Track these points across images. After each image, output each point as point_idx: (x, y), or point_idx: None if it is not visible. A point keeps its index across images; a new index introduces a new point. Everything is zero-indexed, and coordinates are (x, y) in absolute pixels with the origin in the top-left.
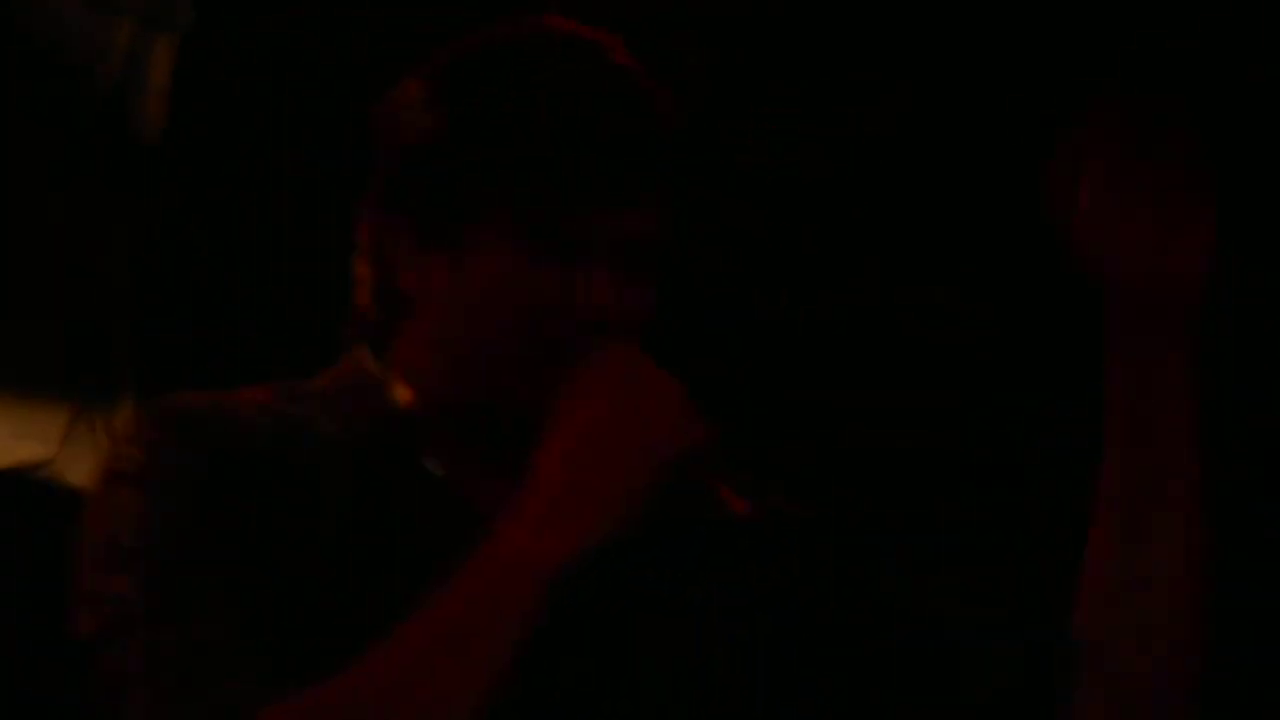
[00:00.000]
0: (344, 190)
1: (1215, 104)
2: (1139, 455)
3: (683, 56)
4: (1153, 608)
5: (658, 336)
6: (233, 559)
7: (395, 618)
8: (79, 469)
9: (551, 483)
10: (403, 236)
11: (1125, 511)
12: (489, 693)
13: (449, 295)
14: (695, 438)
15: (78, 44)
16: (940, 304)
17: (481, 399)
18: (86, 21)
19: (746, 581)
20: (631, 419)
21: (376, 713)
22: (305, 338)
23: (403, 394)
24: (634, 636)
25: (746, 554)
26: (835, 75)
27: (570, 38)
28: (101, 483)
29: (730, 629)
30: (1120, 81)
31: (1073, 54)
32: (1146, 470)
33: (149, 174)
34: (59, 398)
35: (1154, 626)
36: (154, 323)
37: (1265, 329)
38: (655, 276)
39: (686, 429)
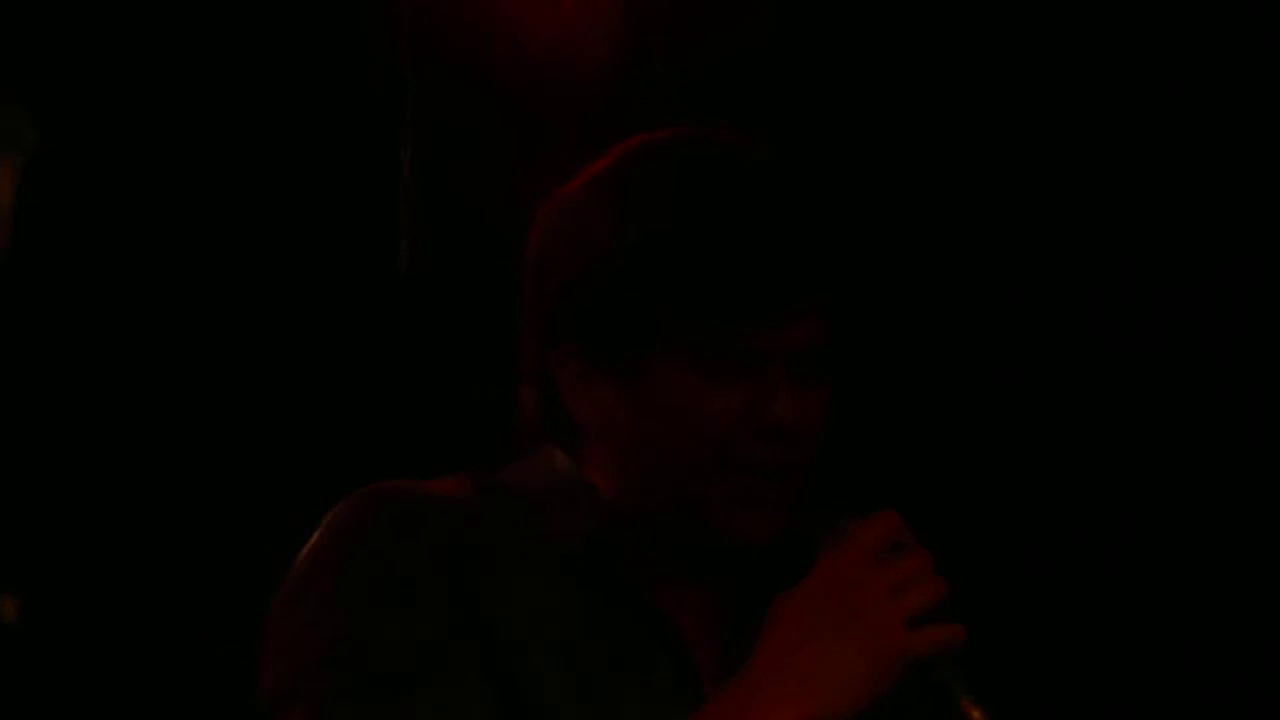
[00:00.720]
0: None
1: None
2: None
3: None
4: None
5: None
6: (446, 658)
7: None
8: None
9: (792, 649)
10: (570, 362)
11: None
12: None
13: (627, 423)
14: (942, 641)
15: None
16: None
17: (673, 518)
18: None
19: None
20: (885, 604)
21: None
22: None
23: (611, 500)
24: None
25: None
26: None
27: (727, 150)
28: (305, 574)
29: None
30: None
31: None
32: None
33: None
34: None
35: None
36: None
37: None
38: (831, 382)
39: (935, 631)
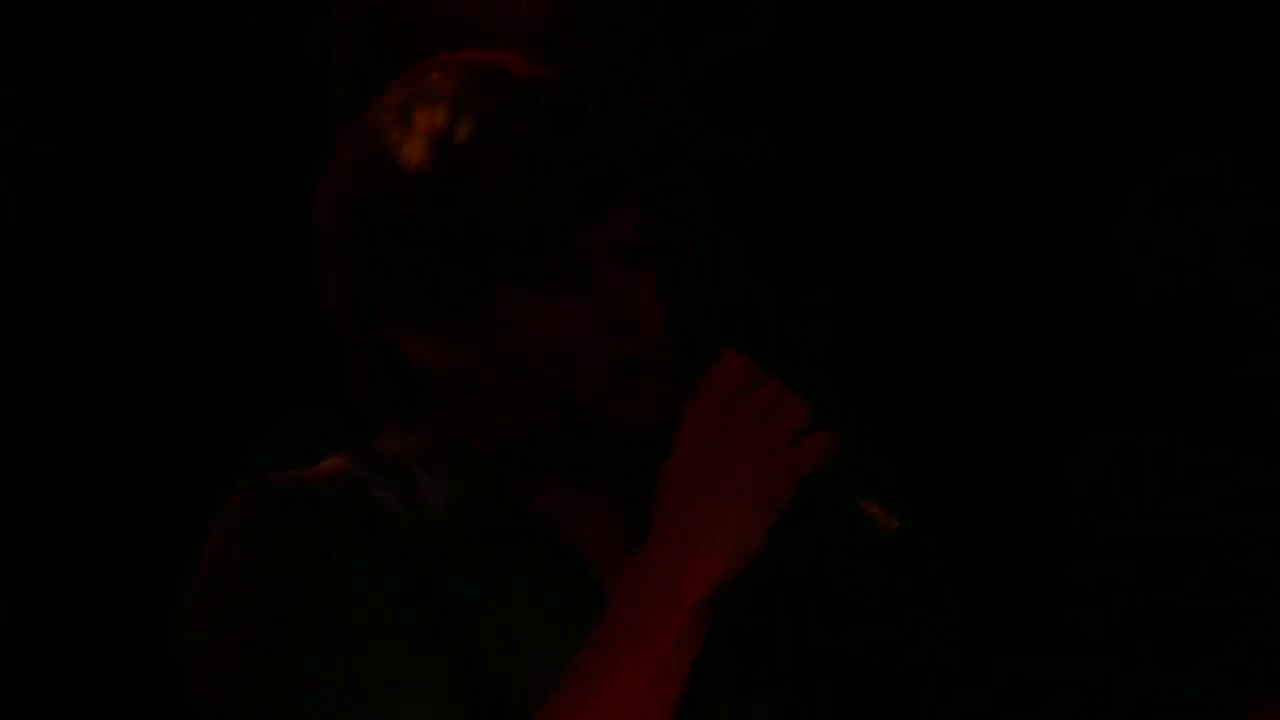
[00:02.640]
0: None
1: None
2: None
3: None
4: None
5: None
6: (393, 637)
7: (537, 671)
8: None
9: (689, 505)
10: (408, 325)
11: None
12: None
13: (481, 365)
14: (820, 450)
15: None
16: None
17: (555, 436)
18: None
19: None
20: (756, 435)
21: None
22: None
23: (488, 453)
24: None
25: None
26: None
27: (507, 66)
28: (219, 571)
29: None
30: None
31: None
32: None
33: None
34: None
35: None
36: None
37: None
38: (660, 267)
39: (811, 443)
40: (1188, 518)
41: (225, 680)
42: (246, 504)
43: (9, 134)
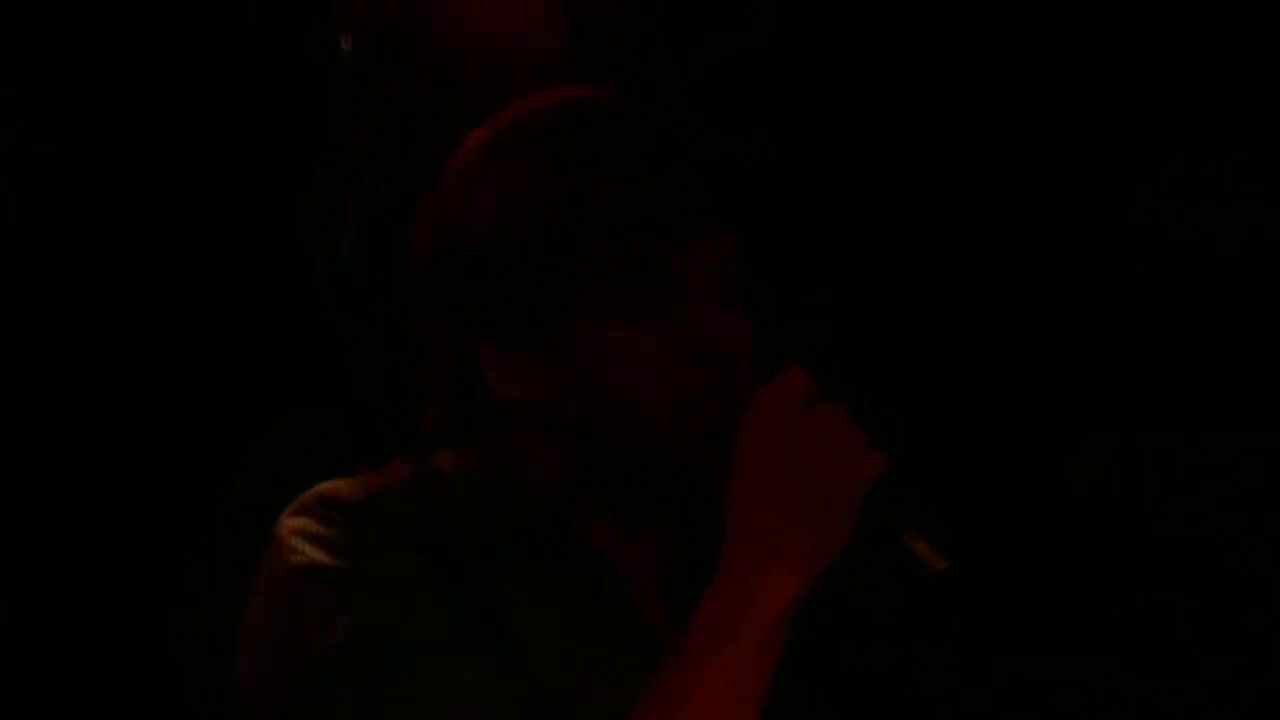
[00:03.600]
0: None
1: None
2: None
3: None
4: None
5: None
6: (449, 653)
7: (585, 694)
8: None
9: (763, 517)
10: (489, 348)
11: None
12: None
13: (562, 394)
14: (878, 468)
15: None
16: None
17: (626, 467)
18: None
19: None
20: (823, 450)
21: None
22: None
23: (554, 473)
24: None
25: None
26: None
27: (600, 99)
28: (284, 583)
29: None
30: None
31: None
32: None
33: None
34: None
35: None
36: None
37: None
38: (747, 300)
39: (872, 460)
40: (1188, 517)
41: (279, 690)
42: (305, 514)
43: (9, 134)
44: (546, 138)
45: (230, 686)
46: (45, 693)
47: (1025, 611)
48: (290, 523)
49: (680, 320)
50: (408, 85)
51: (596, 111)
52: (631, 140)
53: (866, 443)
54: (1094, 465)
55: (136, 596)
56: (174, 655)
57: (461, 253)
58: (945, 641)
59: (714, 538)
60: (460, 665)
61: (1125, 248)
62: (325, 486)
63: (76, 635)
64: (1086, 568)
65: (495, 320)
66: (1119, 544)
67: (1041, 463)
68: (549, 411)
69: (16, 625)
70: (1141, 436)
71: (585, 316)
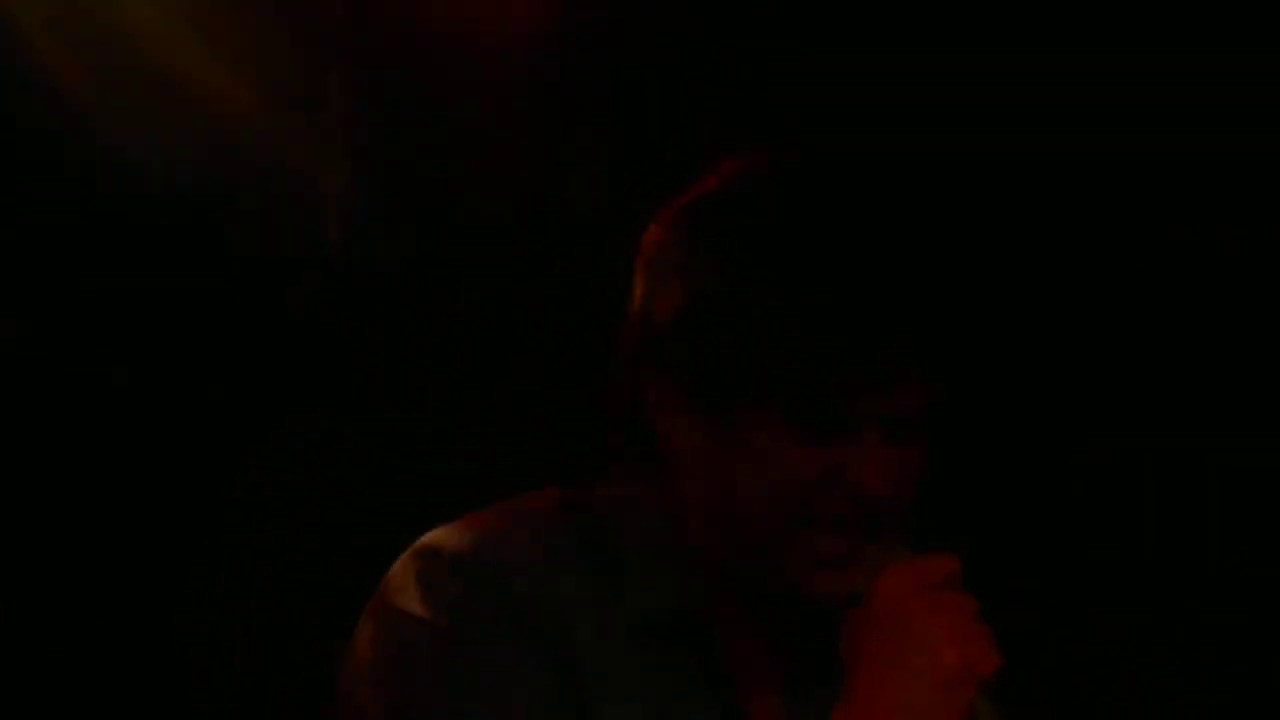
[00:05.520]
0: None
1: None
2: None
3: None
4: None
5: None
6: None
7: None
8: None
9: (873, 698)
10: (666, 394)
11: None
12: None
13: (712, 466)
14: (994, 664)
15: None
16: None
17: (748, 570)
18: None
19: None
20: (944, 634)
21: None
22: None
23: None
24: None
25: None
26: None
27: (839, 195)
28: (393, 642)
29: None
30: None
31: None
32: None
33: None
34: None
35: None
36: None
37: None
38: (922, 450)
39: (991, 658)
40: (1187, 517)
41: None
42: (434, 571)
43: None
44: (783, 223)
45: (228, 687)
46: (45, 692)
47: (1025, 611)
48: (414, 573)
49: (845, 454)
50: (404, 70)
51: (836, 208)
52: (855, 263)
53: (989, 640)
54: (1094, 465)
55: (135, 595)
56: (173, 655)
57: (670, 300)
58: None
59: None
60: None
61: (1123, 248)
62: (450, 541)
63: (76, 635)
64: (1085, 567)
65: (679, 370)
66: (1118, 544)
67: (1042, 462)
68: (699, 479)
69: (16, 625)
70: (1141, 436)
71: (757, 408)
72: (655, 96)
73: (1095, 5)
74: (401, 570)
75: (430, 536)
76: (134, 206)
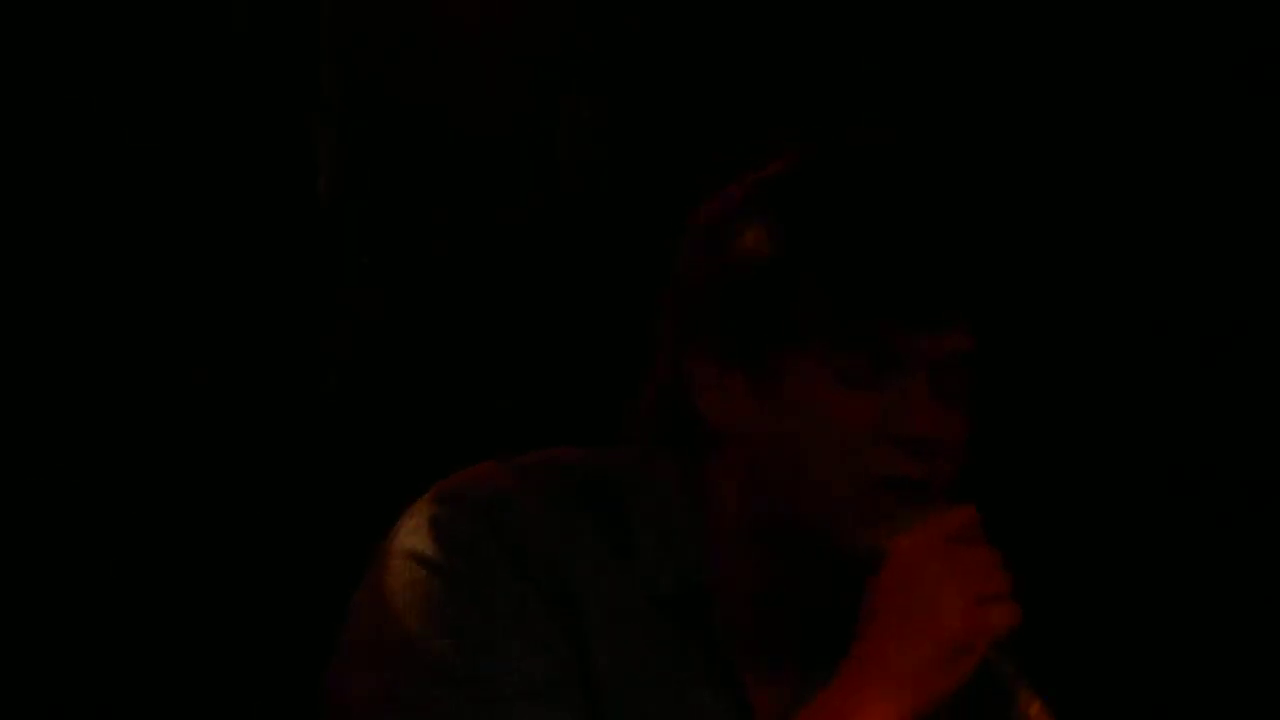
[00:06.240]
0: None
1: None
2: None
3: None
4: None
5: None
6: (551, 693)
7: None
8: None
9: (880, 650)
10: (707, 361)
11: None
12: None
13: (760, 428)
14: (1012, 618)
15: None
16: None
17: (790, 532)
18: None
19: None
20: (957, 588)
21: None
22: None
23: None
24: None
25: None
26: None
27: (891, 156)
28: (404, 579)
29: None
30: None
31: None
32: None
33: None
34: None
35: None
36: None
37: None
38: (966, 420)
39: (1007, 609)
40: (1188, 517)
41: (382, 691)
42: (448, 511)
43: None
44: (834, 173)
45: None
46: (45, 692)
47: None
48: (423, 513)
49: (896, 401)
50: (407, 67)
51: (876, 166)
52: (908, 206)
53: (1008, 592)
54: (1095, 465)
55: (134, 595)
56: (172, 655)
57: (712, 263)
58: None
59: (845, 632)
60: (548, 708)
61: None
62: (468, 483)
63: (75, 635)
64: (1084, 567)
65: (721, 329)
66: (1117, 544)
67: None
68: (744, 447)
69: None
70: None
71: (804, 354)
72: (647, 61)
73: None
74: (417, 513)
75: (448, 483)
76: None
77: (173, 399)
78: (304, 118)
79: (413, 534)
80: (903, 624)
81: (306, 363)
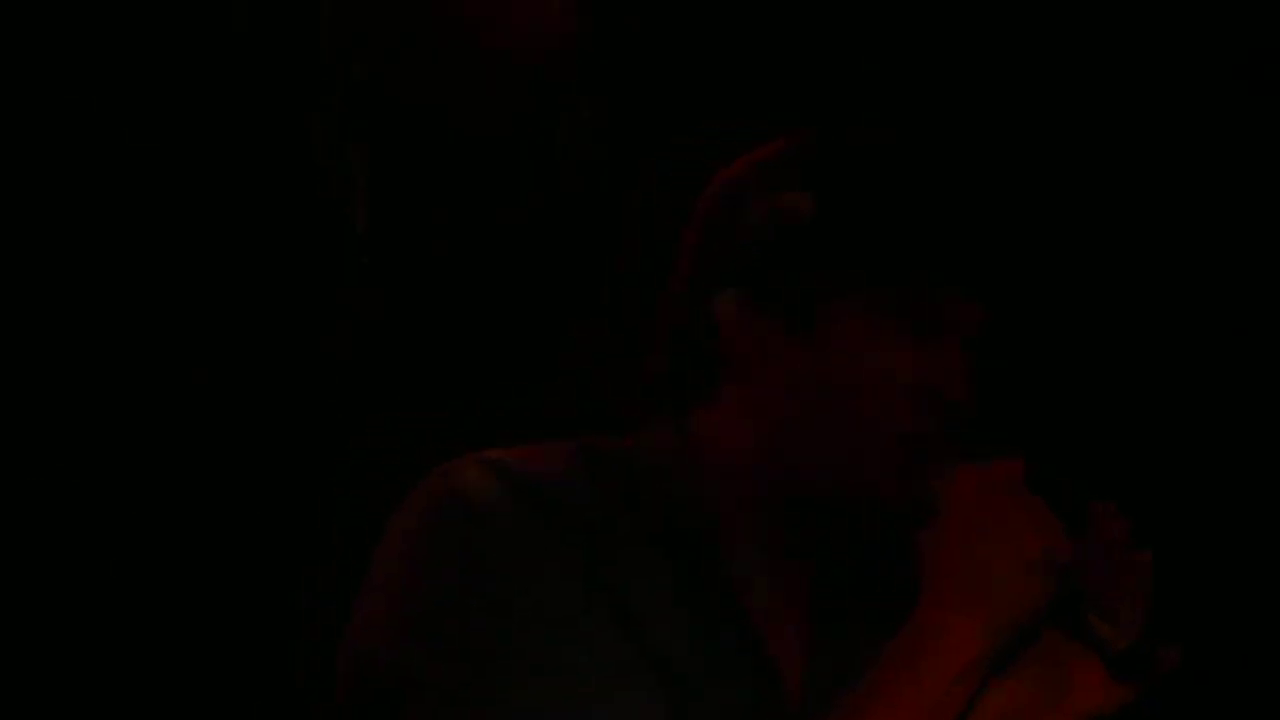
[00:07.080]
0: None
1: None
2: None
3: None
4: None
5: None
6: (548, 655)
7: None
8: None
9: (965, 571)
10: (736, 305)
11: None
12: None
13: (792, 368)
14: (1069, 549)
15: None
16: None
17: (803, 477)
18: None
19: None
20: (1027, 523)
21: None
22: None
23: (707, 489)
24: None
25: None
26: None
27: (929, 128)
28: (431, 546)
29: None
30: None
31: None
32: None
33: None
34: None
35: None
36: None
37: None
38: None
39: (1065, 541)
40: (1188, 517)
41: (410, 662)
42: (477, 479)
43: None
44: (871, 142)
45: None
46: (45, 692)
47: None
48: (450, 478)
49: (933, 365)
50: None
51: (917, 135)
52: (968, 181)
53: (1063, 531)
54: (1082, 463)
55: (134, 595)
56: (172, 655)
57: (747, 215)
58: None
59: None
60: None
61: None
62: (494, 455)
63: (75, 634)
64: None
65: (756, 280)
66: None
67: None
68: (770, 384)
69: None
70: (1131, 436)
71: (850, 306)
72: (647, 61)
73: None
74: (453, 469)
75: (486, 452)
76: None
77: (173, 399)
78: (304, 118)
79: (447, 475)
80: (983, 550)
81: (306, 363)
